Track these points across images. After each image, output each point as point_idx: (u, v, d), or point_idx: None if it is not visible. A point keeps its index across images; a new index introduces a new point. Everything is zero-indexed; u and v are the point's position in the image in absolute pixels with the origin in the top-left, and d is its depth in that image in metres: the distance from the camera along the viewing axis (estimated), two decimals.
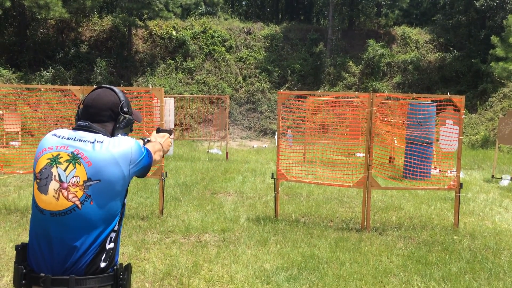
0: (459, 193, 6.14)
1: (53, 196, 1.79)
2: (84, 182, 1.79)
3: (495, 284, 4.34)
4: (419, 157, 8.20)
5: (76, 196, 1.78)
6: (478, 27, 22.52)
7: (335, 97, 12.01)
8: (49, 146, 1.87)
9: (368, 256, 4.97)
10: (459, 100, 6.46)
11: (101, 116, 1.95)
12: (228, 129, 19.21)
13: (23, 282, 1.80)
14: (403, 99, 10.59)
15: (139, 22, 22.14)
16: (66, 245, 1.77)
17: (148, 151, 2.00)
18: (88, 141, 1.84)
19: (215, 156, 13.10)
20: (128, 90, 7.45)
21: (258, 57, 23.11)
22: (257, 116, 21.13)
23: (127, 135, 2.04)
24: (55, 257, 1.78)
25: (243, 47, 23.71)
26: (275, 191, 6.50)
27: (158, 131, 2.27)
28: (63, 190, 1.79)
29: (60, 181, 1.80)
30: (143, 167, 1.96)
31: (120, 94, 2.03)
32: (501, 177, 9.93)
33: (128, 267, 1.92)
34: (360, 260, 4.86)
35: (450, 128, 8.51)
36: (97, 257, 1.80)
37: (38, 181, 1.84)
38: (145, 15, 22.90)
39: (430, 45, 23.70)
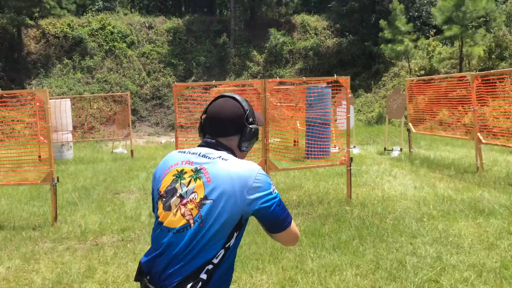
0: (350, 167, 6.56)
1: (173, 213, 1.71)
2: (201, 200, 1.67)
3: (379, 245, 4.71)
4: (319, 137, 8.61)
5: (191, 214, 1.67)
6: (369, 12, 24.04)
7: (236, 86, 12.16)
8: (175, 163, 1.81)
9: (266, 237, 5.12)
10: (345, 80, 6.87)
11: (226, 130, 1.84)
12: (134, 126, 18.63)
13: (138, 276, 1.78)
14: (297, 84, 11.01)
15: (30, 22, 20.58)
16: (167, 258, 1.68)
17: (282, 203, 1.77)
18: (213, 157, 1.75)
19: (120, 155, 12.63)
20: (7, 94, 6.85)
21: (162, 52, 22.62)
22: (164, 111, 20.74)
23: (251, 146, 1.93)
24: (158, 264, 1.71)
25: (146, 42, 23.06)
26: None
27: None
28: (181, 206, 1.70)
29: (181, 197, 1.72)
30: (269, 206, 1.70)
31: (244, 103, 1.88)
32: (392, 149, 10.78)
33: None
34: (258, 241, 4.99)
35: (345, 108, 9.01)
36: (186, 281, 1.64)
37: (163, 199, 1.76)
38: (36, 14, 21.31)
39: (328, 31, 24.87)
